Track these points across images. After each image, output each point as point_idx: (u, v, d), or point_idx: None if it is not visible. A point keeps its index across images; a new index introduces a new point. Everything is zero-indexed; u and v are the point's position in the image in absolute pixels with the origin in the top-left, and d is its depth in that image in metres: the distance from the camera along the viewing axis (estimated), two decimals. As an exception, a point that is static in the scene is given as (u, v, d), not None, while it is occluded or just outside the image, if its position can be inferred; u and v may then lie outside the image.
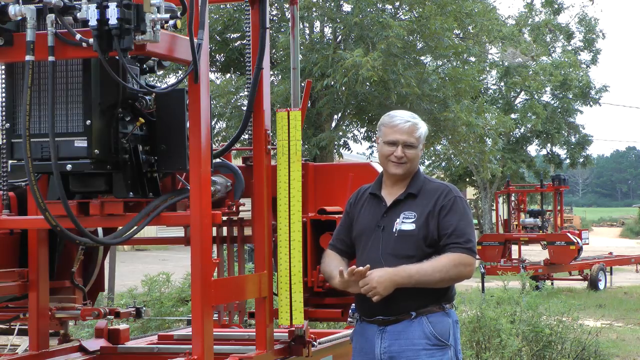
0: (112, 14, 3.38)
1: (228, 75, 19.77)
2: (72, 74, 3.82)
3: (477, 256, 20.65)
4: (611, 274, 21.22)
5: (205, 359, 3.78)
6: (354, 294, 4.03)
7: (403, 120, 4.01)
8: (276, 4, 18.22)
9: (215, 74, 19.84)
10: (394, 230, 3.93)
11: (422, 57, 19.67)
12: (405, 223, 3.92)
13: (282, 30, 18.14)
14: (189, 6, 3.68)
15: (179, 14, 3.76)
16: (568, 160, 33.81)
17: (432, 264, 3.83)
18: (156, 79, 16.06)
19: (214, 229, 4.57)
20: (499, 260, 20.23)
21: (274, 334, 4.54)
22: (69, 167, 3.78)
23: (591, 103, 31.76)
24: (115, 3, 3.38)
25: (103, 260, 5.13)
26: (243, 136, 4.58)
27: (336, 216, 4.73)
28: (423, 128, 4.05)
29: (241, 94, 18.48)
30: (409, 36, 18.31)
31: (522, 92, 31.06)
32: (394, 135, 3.98)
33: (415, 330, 3.88)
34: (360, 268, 3.83)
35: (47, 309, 4.58)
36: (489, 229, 29.10)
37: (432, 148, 25.45)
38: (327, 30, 19.10)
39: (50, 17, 3.48)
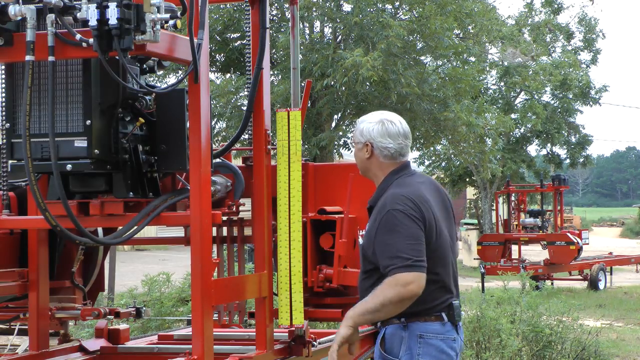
0: (112, 14, 3.38)
1: (228, 75, 19.76)
2: (72, 74, 3.83)
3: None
4: (611, 274, 21.24)
5: (205, 359, 3.78)
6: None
7: None
8: (276, 4, 18.21)
9: (215, 74, 19.83)
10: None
11: (422, 57, 19.64)
12: (361, 237, 3.89)
13: (282, 30, 18.13)
14: (189, 6, 3.68)
15: (179, 14, 3.76)
16: (568, 160, 33.76)
17: (372, 293, 3.65)
18: (156, 79, 16.05)
19: (214, 229, 4.57)
20: (499, 260, 20.25)
21: (274, 334, 4.55)
22: (69, 167, 3.79)
23: (591, 103, 31.72)
24: (115, 3, 3.38)
25: (103, 260, 5.14)
26: (243, 136, 4.59)
27: (336, 216, 4.74)
28: (359, 126, 3.90)
29: (241, 94, 18.46)
30: (409, 36, 18.29)
31: (522, 92, 31.01)
32: None
33: (377, 341, 3.82)
34: None
35: (47, 309, 4.58)
36: (489, 229, 29.05)
37: (432, 148, 25.42)
38: (327, 30, 19.08)
39: (50, 17, 3.48)
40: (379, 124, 3.86)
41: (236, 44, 18.98)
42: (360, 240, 3.88)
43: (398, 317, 3.72)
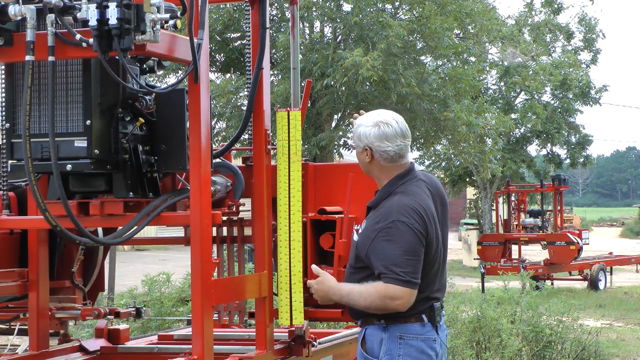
0: (112, 14, 3.38)
1: (228, 75, 19.76)
2: (72, 74, 3.82)
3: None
4: (611, 274, 21.24)
5: (205, 359, 3.78)
6: None
7: None
8: (276, 4, 18.21)
9: (215, 74, 19.84)
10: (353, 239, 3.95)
11: (422, 57, 19.64)
12: (356, 233, 3.89)
13: (282, 30, 18.13)
14: (189, 6, 3.68)
15: (179, 14, 3.76)
16: (568, 160, 33.74)
17: (361, 290, 3.71)
18: (156, 79, 16.05)
19: (214, 229, 4.57)
20: (499, 260, 20.26)
21: (274, 334, 4.55)
22: (69, 167, 3.78)
23: (591, 103, 31.72)
24: (115, 3, 3.38)
25: (103, 260, 5.14)
26: (243, 136, 4.59)
27: (336, 216, 4.73)
28: (357, 130, 3.86)
29: (241, 94, 18.46)
30: (409, 36, 18.29)
31: (522, 92, 31.01)
32: None
33: (359, 341, 3.85)
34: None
35: (47, 309, 4.58)
36: (489, 229, 29.05)
37: (432, 148, 25.43)
38: (327, 30, 19.09)
39: (50, 17, 3.48)
40: (375, 127, 3.81)
41: (236, 44, 18.98)
42: (355, 237, 3.88)
43: (378, 318, 3.75)
